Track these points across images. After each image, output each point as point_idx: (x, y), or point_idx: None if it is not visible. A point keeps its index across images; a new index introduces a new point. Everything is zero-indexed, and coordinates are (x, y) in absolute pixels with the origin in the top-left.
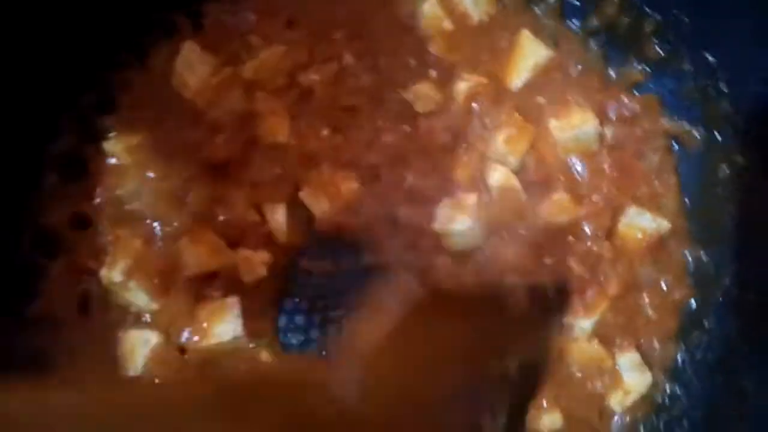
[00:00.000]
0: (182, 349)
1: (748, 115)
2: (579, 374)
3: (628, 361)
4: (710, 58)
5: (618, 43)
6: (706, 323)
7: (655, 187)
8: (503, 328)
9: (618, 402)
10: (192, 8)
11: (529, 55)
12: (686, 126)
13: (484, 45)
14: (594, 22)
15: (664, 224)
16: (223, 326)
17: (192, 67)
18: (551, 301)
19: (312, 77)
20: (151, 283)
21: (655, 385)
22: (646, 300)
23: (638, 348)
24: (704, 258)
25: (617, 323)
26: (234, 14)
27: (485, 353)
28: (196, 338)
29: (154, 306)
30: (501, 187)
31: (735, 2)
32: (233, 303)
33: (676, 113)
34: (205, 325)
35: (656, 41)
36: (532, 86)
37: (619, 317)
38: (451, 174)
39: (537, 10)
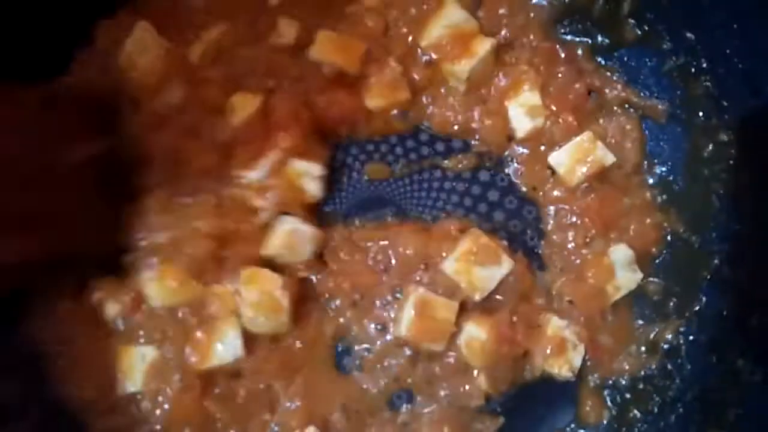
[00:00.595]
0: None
1: (731, 92)
2: None
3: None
4: (690, 36)
5: (595, 26)
6: (696, 304)
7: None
8: None
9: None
10: None
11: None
12: (652, 101)
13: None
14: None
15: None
16: (222, 346)
17: (144, 48)
18: None
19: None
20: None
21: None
22: None
23: None
24: (693, 238)
25: None
26: None
27: None
28: (194, 359)
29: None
30: None
31: None
32: (232, 321)
33: (657, 91)
34: (204, 345)
35: (633, 22)
36: None
37: None
38: None
39: None
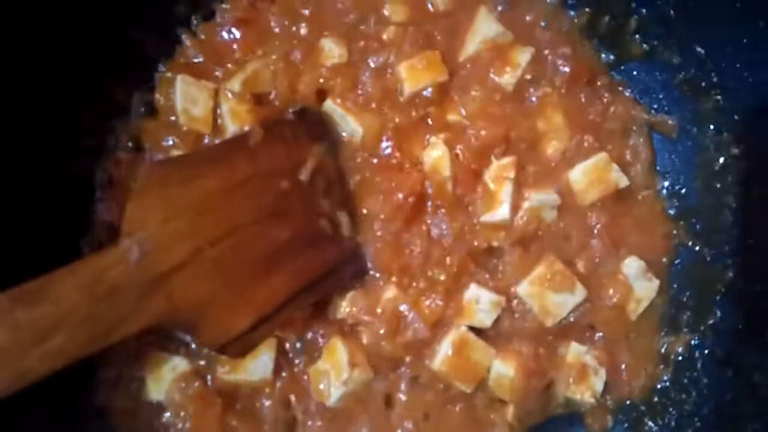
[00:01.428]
0: (205, 378)
1: (742, 105)
2: None
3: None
4: (699, 50)
5: (602, 43)
6: (710, 318)
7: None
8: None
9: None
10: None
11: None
12: (663, 117)
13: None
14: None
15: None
16: (255, 363)
17: (193, 99)
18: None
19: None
20: None
21: (663, 381)
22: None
23: None
24: (705, 251)
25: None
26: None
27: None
28: (225, 368)
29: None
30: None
31: None
32: (270, 342)
33: (667, 105)
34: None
35: (640, 38)
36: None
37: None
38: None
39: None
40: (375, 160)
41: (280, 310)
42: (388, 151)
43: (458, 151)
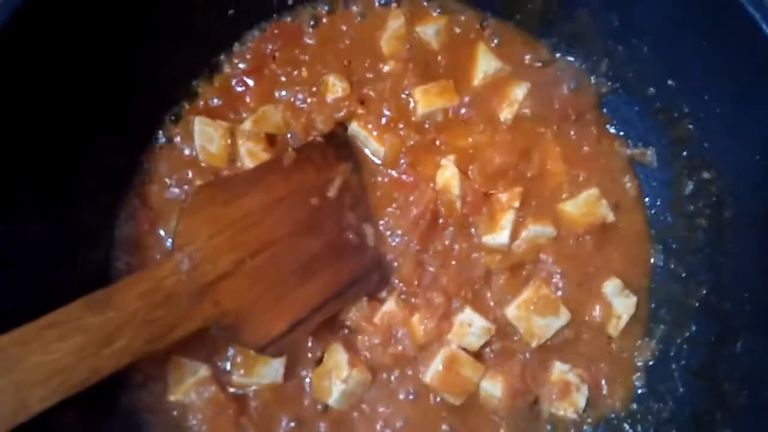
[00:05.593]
0: (221, 384)
1: (711, 133)
2: None
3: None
4: (671, 83)
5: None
6: (686, 331)
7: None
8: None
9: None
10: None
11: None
12: (641, 149)
13: None
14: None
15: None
16: (267, 368)
17: (210, 137)
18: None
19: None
20: None
21: (641, 388)
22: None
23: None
24: (680, 270)
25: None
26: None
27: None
28: (241, 371)
29: None
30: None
31: (693, 31)
32: None
33: (644, 133)
34: (251, 361)
35: (611, 75)
36: None
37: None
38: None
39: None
40: (393, 178)
41: (313, 315)
42: (404, 169)
43: (470, 174)
